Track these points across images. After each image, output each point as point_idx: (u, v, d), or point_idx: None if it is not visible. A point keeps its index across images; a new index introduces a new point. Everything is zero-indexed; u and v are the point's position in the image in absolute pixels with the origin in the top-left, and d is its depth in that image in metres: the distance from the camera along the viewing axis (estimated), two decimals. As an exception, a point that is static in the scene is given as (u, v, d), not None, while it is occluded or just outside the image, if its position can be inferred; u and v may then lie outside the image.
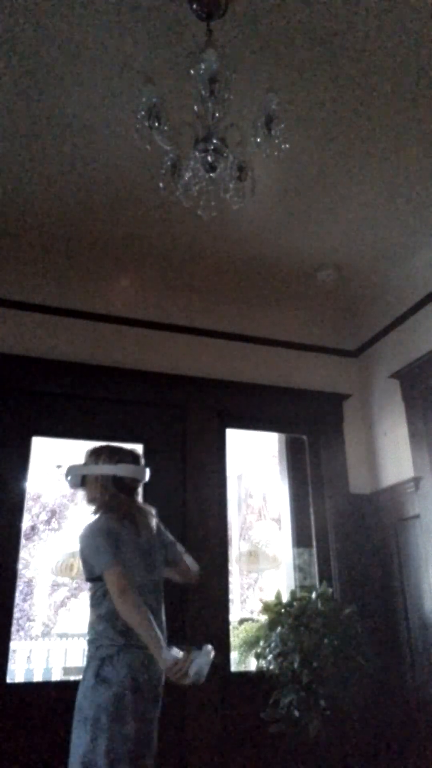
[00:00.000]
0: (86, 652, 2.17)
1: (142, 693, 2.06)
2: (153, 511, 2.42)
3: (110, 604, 2.11)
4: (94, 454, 2.40)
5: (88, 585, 2.29)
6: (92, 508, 2.34)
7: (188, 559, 2.45)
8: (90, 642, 2.16)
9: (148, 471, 2.44)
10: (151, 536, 2.33)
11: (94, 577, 2.16)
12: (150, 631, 2.01)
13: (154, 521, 2.38)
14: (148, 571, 2.24)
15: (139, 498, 2.45)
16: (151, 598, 2.21)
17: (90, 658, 2.13)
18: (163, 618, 2.26)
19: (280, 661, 3.21)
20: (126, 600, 2.04)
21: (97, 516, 2.28)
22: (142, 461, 2.45)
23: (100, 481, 2.33)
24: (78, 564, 5.52)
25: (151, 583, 2.23)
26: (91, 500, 2.35)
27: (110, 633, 2.10)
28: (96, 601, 2.18)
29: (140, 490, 2.46)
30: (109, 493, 2.31)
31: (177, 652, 1.99)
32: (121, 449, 2.42)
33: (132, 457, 2.41)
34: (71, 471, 2.39)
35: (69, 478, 2.40)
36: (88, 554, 2.17)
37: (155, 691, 2.13)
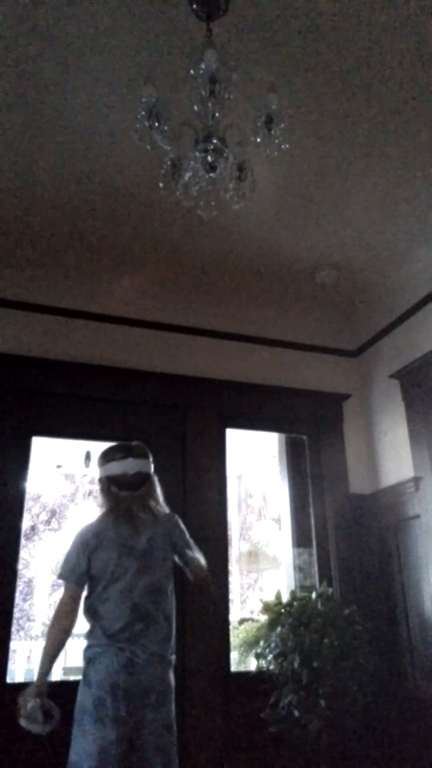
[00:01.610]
0: (47, 702, 2.16)
1: (122, 696, 2.01)
2: (166, 511, 2.37)
3: (92, 605, 2.14)
4: (98, 459, 2.42)
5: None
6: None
7: (200, 560, 2.37)
8: (85, 642, 2.19)
9: (137, 462, 2.32)
10: (154, 536, 2.27)
11: (60, 579, 2.22)
12: (43, 658, 2.08)
13: (163, 521, 2.33)
14: (141, 572, 2.19)
15: (158, 489, 2.39)
16: (146, 599, 2.16)
17: (82, 658, 2.15)
18: (163, 621, 2.19)
19: (280, 661, 3.21)
20: (56, 624, 2.10)
21: (93, 520, 2.31)
22: (136, 453, 2.34)
23: (100, 484, 2.37)
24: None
25: (144, 586, 2.18)
26: (98, 506, 2.38)
27: (95, 633, 2.12)
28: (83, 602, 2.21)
29: (156, 481, 2.39)
30: (107, 493, 2.31)
31: (36, 704, 2.02)
32: (114, 447, 2.39)
33: (123, 452, 2.34)
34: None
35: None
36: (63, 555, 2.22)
37: (144, 695, 2.07)
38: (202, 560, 2.35)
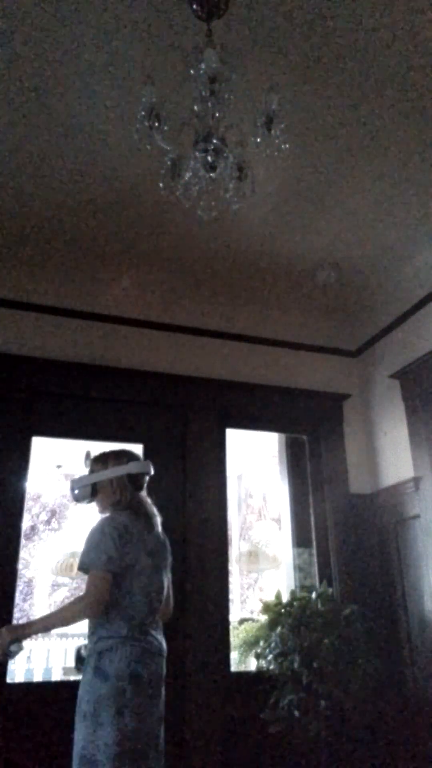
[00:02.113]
0: (86, 647, 2.16)
1: (142, 687, 2.04)
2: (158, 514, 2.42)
3: (115, 597, 2.11)
4: (101, 461, 2.38)
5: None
6: (108, 510, 2.32)
7: (171, 601, 2.40)
8: (89, 636, 2.15)
9: (150, 465, 2.44)
10: (160, 537, 2.33)
11: (84, 567, 2.13)
12: (43, 623, 2.17)
13: (161, 531, 2.38)
14: (155, 568, 2.23)
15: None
16: (157, 596, 2.22)
17: (89, 652, 2.12)
18: (158, 617, 2.25)
19: (280, 661, 3.21)
20: (86, 610, 2.06)
21: (111, 514, 2.27)
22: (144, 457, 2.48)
23: (116, 483, 2.32)
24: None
25: (156, 582, 2.22)
26: (112, 504, 2.31)
27: (112, 625, 2.09)
28: None
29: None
30: (129, 491, 2.31)
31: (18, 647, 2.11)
32: (123, 450, 2.45)
33: (134, 454, 2.45)
34: (80, 482, 2.36)
35: (77, 491, 2.37)
36: (88, 544, 2.16)
37: (156, 686, 2.11)
38: (171, 600, 2.39)
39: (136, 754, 1.97)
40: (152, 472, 2.43)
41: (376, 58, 2.35)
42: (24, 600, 9.46)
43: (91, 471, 2.38)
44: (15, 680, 5.35)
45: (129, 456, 2.41)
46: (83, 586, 2.20)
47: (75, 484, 2.38)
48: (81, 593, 2.16)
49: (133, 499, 2.31)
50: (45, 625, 2.22)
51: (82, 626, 2.25)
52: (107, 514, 2.27)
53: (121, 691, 2.00)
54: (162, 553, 2.30)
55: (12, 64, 2.35)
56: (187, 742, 3.16)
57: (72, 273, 3.75)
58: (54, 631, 9.13)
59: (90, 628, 2.16)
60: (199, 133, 2.00)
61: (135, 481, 2.35)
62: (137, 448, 3.71)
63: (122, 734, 1.95)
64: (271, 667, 3.27)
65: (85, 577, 2.15)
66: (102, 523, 2.20)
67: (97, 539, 2.14)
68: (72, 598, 2.26)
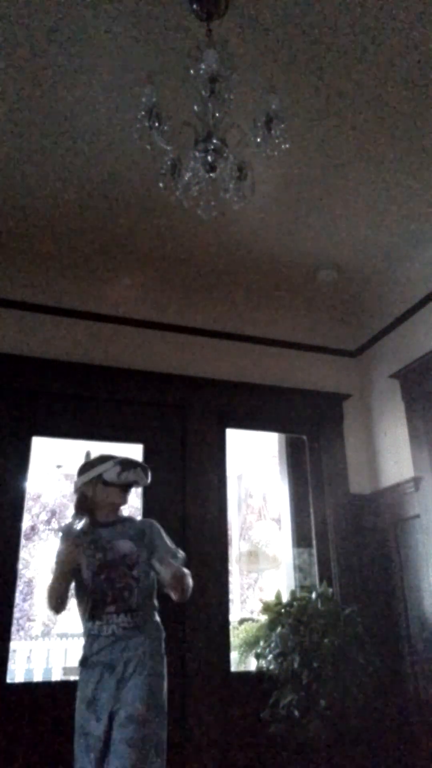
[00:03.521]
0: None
1: (87, 666, 2.21)
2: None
3: None
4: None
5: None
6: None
7: None
8: (154, 611, 2.38)
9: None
10: None
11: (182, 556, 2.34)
12: None
13: None
14: None
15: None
16: None
17: (157, 626, 2.34)
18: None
19: (280, 661, 3.21)
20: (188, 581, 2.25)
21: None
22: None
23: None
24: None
25: None
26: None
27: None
28: None
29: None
30: None
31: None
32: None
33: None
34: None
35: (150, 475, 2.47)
36: (166, 538, 2.35)
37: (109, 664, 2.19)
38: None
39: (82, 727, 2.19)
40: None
41: (376, 59, 2.34)
42: (24, 600, 9.45)
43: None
44: (15, 680, 5.36)
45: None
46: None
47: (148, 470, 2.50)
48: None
49: None
50: None
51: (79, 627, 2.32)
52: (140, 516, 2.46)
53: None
54: None
55: (12, 64, 2.35)
56: (187, 742, 3.16)
57: (72, 273, 3.74)
58: (54, 631, 9.15)
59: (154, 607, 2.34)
60: (199, 133, 2.00)
61: None
62: (137, 448, 3.72)
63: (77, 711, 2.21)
64: (271, 667, 3.27)
65: None
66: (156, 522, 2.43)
67: (165, 533, 2.39)
68: (72, 599, 2.31)
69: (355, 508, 3.97)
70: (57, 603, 2.20)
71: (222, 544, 3.65)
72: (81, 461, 2.46)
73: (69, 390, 3.63)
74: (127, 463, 2.39)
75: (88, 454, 2.48)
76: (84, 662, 2.22)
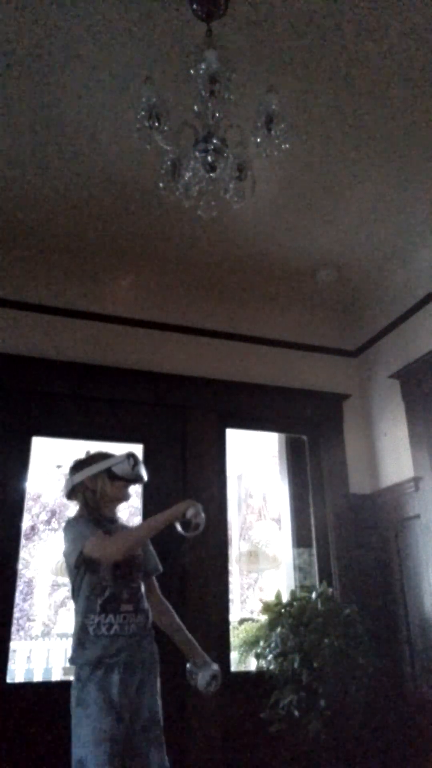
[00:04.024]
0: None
1: (103, 667, 2.12)
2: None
3: None
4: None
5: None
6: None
7: None
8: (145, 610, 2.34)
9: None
10: None
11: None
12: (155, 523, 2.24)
13: None
14: None
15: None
16: None
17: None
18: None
19: (280, 661, 3.21)
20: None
21: None
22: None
23: None
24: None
25: None
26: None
27: None
28: None
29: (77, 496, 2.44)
30: None
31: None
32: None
33: None
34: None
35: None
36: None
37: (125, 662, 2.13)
38: None
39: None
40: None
41: (377, 59, 2.35)
42: (24, 600, 9.46)
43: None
44: (15, 680, 5.36)
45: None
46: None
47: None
48: None
49: None
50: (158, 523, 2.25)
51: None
52: None
53: None
54: None
55: (11, 64, 2.35)
56: (187, 742, 3.16)
57: (72, 273, 3.75)
58: (54, 631, 9.16)
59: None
60: (199, 133, 2.00)
61: None
62: (137, 448, 3.71)
63: None
64: (271, 667, 3.26)
65: None
66: None
67: None
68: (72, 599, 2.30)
69: (355, 508, 3.97)
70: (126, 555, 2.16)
71: (222, 544, 3.65)
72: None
73: (69, 390, 3.63)
74: (137, 458, 2.34)
75: (88, 454, 2.48)
76: (99, 663, 2.06)
